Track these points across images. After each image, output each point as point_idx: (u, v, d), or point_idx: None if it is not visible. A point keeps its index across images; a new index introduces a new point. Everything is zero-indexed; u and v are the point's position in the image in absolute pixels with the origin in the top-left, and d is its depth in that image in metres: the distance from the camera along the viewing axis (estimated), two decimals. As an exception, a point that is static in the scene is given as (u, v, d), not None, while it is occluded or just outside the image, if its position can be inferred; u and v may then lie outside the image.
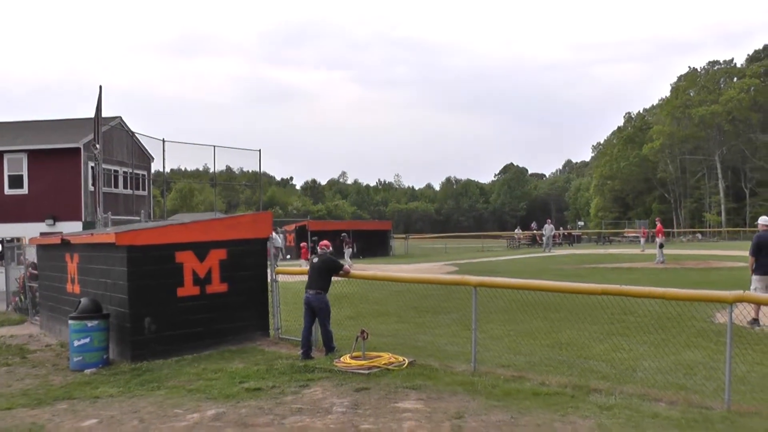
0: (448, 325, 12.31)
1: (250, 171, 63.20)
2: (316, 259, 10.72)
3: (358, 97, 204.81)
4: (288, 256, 38.18)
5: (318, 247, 11.08)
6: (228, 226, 11.84)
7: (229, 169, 66.44)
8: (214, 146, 27.99)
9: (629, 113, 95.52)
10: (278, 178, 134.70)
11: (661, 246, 29.43)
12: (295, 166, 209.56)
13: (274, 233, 30.75)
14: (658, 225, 31.20)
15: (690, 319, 10.86)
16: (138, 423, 7.46)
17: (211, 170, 30.81)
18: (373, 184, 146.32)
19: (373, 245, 44.78)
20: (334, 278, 10.73)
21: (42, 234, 23.46)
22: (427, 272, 26.13)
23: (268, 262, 12.40)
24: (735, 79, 79.11)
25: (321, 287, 10.41)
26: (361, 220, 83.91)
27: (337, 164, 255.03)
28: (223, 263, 11.54)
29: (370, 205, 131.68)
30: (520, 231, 60.72)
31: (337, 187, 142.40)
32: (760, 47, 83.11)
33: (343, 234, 34.70)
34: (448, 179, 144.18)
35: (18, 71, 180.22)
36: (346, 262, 32.31)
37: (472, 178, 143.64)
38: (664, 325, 10.75)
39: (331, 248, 11.10)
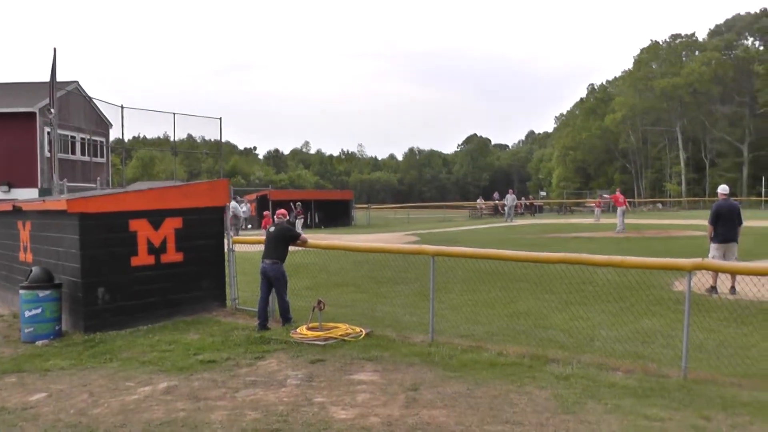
0: (407, 296, 12.23)
1: (212, 140, 62.25)
2: (272, 229, 10.53)
3: (321, 67, 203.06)
4: (249, 226, 37.86)
5: (275, 216, 10.88)
6: (184, 194, 11.54)
7: (190, 137, 65.51)
8: (174, 113, 27.42)
9: (592, 85, 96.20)
10: (241, 147, 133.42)
11: (623, 214, 29.77)
12: (258, 135, 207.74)
13: (235, 202, 30.45)
14: (617, 193, 31.58)
15: (649, 287, 10.92)
16: (87, 396, 7.24)
17: (172, 138, 30.21)
18: (336, 154, 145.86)
19: (335, 215, 44.61)
20: (292, 248, 10.57)
21: (-4, 201, 22.84)
22: (388, 242, 26.11)
23: (225, 232, 12.16)
24: (696, 52, 79.90)
25: (278, 257, 10.23)
26: (323, 190, 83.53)
27: (300, 134, 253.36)
28: (179, 232, 11.27)
29: (332, 175, 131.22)
30: (483, 201, 60.87)
31: (299, 156, 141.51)
32: (721, 21, 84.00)
33: (297, 203, 34.41)
34: (411, 150, 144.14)
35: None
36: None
37: (436, 149, 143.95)
38: (623, 294, 10.77)
39: (288, 218, 10.92)
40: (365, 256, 13.68)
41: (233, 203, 31.07)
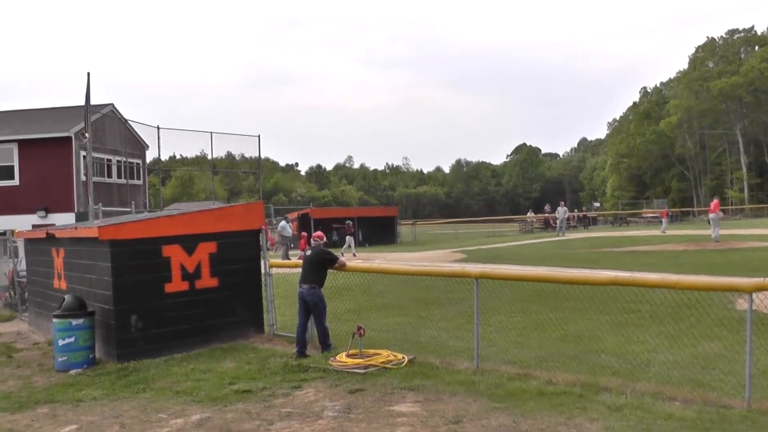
0: (453, 318, 12.12)
1: (252, 157, 62.93)
2: (309, 252, 10.53)
3: (360, 79, 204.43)
4: (292, 245, 38.06)
5: (312, 239, 10.88)
6: (217, 218, 11.62)
7: (230, 155, 66.19)
8: (211, 132, 27.71)
9: (645, 88, 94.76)
10: (282, 164, 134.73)
11: (712, 222, 29.81)
12: (300, 150, 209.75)
13: (285, 221, 30.76)
14: (715, 200, 31.69)
15: (709, 306, 10.53)
16: (118, 429, 7.29)
17: (210, 157, 30.65)
18: (380, 168, 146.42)
19: (380, 232, 44.70)
20: (332, 271, 10.57)
21: (34, 226, 23.34)
22: (434, 260, 25.99)
23: (262, 254, 12.20)
24: (756, 47, 78.11)
25: (315, 281, 10.22)
26: (367, 207, 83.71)
27: (343, 148, 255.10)
28: (213, 257, 11.34)
29: (377, 190, 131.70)
30: (533, 214, 60.36)
31: (342, 172, 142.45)
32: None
33: (348, 222, 34.61)
34: (458, 162, 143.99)
35: (6, 59, 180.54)
36: (350, 250, 32.36)
37: (484, 160, 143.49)
38: (681, 314, 10.43)
39: (324, 240, 10.92)
40: (409, 276, 13.62)
41: (282, 223, 31.44)
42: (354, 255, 32.29)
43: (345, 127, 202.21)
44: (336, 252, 12.10)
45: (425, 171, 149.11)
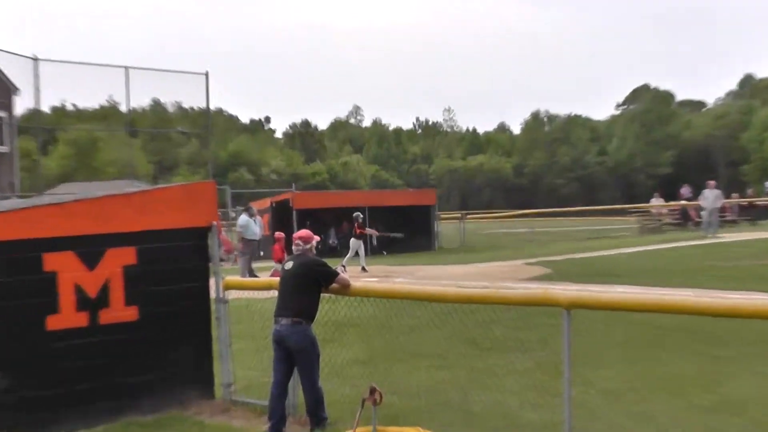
0: (528, 373, 12.17)
1: (196, 109, 62.35)
2: (290, 264, 10.54)
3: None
4: (261, 254, 38.13)
5: (294, 243, 10.86)
6: (138, 208, 11.62)
7: (158, 105, 66.33)
8: (126, 67, 27.76)
9: None
10: (245, 121, 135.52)
11: None
12: (275, 100, 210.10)
13: (247, 215, 30.67)
14: None
15: None
16: None
17: (124, 109, 30.70)
18: (407, 126, 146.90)
19: (406, 232, 44.64)
20: (324, 295, 10.64)
21: None
22: (496, 278, 26.06)
23: (212, 268, 12.23)
24: None
25: (301, 313, 10.25)
26: (386, 191, 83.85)
27: (345, 96, 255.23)
28: (131, 272, 11.34)
29: (402, 163, 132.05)
30: (661, 201, 60.09)
31: (345, 133, 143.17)
32: None
33: (357, 214, 34.69)
34: (536, 116, 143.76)
35: None
36: (357, 261, 32.31)
37: (579, 113, 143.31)
38: None
39: (315, 243, 10.90)
40: (455, 304, 13.62)
41: (244, 217, 31.13)
42: (364, 269, 32.29)
43: (348, 61, 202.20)
44: (334, 264, 12.10)
45: (481, 131, 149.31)
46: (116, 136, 62.80)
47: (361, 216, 35.03)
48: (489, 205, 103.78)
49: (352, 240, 33.61)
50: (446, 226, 51.76)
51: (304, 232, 11.06)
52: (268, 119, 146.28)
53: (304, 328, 10.25)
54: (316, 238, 11.14)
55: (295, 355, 10.25)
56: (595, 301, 9.31)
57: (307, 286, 10.39)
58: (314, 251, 10.98)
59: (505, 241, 49.44)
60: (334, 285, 10.58)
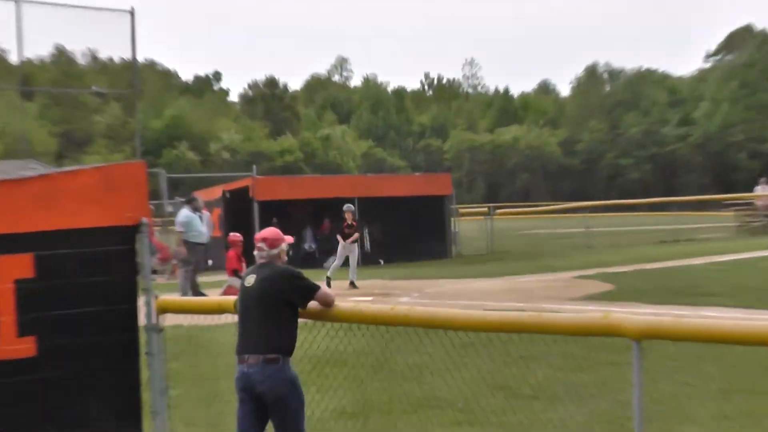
0: (581, 427, 12.18)
1: (117, 61, 61.88)
2: (252, 279, 10.58)
3: None
4: (210, 262, 38.25)
5: (256, 248, 10.83)
6: (37, 199, 11.60)
7: (64, 54, 66.03)
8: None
9: None
10: (188, 78, 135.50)
11: None
12: (228, 52, 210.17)
13: (189, 209, 30.71)
14: None
15: None
16: None
17: (15, 59, 30.72)
18: (412, 86, 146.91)
19: (412, 233, 44.88)
20: (303, 320, 10.66)
21: None
22: (535, 298, 26.38)
23: (142, 283, 12.21)
24: None
25: (275, 346, 10.28)
26: (383, 175, 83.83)
27: (327, 44, 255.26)
28: (26, 289, 11.31)
29: (405, 137, 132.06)
30: (768, 190, 60.09)
31: (326, 95, 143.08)
32: None
33: (349, 206, 34.69)
34: (592, 72, 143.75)
35: None
36: (349, 272, 32.33)
37: (651, 67, 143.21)
38: None
39: (285, 246, 10.86)
40: (479, 334, 13.62)
41: (186, 213, 31.14)
42: (353, 284, 32.32)
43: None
44: (316, 279, 12.04)
45: (515, 93, 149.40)
46: (3, 96, 62.66)
47: (352, 209, 34.91)
48: (526, 196, 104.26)
49: (341, 245, 33.57)
50: (467, 225, 51.93)
51: (271, 231, 11.05)
52: (217, 76, 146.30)
53: (280, 368, 10.24)
54: (287, 239, 11.06)
55: (271, 407, 10.28)
56: (675, 330, 9.25)
57: (278, 309, 10.36)
58: (285, 258, 10.99)
59: (549, 246, 49.72)
60: (313, 303, 10.57)
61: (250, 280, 10.63)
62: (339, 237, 33.74)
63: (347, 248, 33.41)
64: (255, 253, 10.85)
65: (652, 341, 9.00)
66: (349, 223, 34.13)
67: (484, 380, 14.73)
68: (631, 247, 45.40)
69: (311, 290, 10.54)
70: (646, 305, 21.52)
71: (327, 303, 10.62)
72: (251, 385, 10.25)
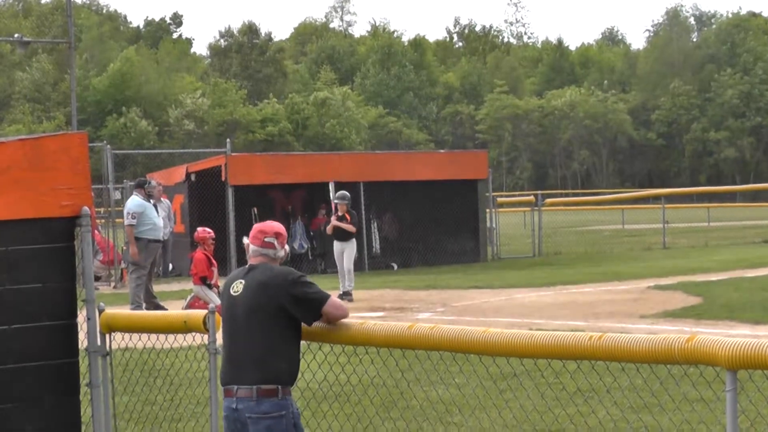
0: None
1: (45, 1, 61.77)
2: (241, 286, 10.63)
3: None
4: (170, 267, 38.38)
5: (251, 241, 10.87)
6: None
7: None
8: None
9: None
10: (139, 24, 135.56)
11: None
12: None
13: (140, 197, 30.81)
14: None
15: None
16: None
17: None
18: (435, 35, 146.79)
19: (435, 229, 44.91)
20: (306, 341, 10.80)
21: None
22: (591, 313, 26.48)
23: (84, 293, 12.30)
24: None
25: (274, 373, 10.35)
26: (397, 153, 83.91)
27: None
28: None
29: (426, 102, 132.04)
30: None
31: (322, 47, 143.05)
32: None
33: (340, 194, 34.80)
34: (675, 15, 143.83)
35: None
36: (340, 282, 32.45)
37: (753, 11, 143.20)
38: None
39: (285, 244, 10.91)
40: (524, 362, 13.69)
41: (137, 201, 31.28)
42: (346, 294, 32.29)
43: None
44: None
45: (572, 45, 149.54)
46: None
47: (348, 198, 34.81)
48: (586, 182, 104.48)
49: (336, 244, 33.60)
50: (508, 219, 52.07)
51: (279, 225, 11.19)
52: (177, 19, 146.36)
53: (280, 404, 10.29)
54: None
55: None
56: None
57: (275, 323, 10.40)
58: (287, 257, 11.08)
59: (615, 247, 49.77)
60: (322, 317, 10.51)
61: (238, 286, 10.61)
62: (329, 229, 33.67)
63: (340, 248, 33.25)
64: (250, 248, 10.89)
65: (751, 371, 9.09)
66: (341, 214, 34.21)
67: (530, 421, 14.81)
68: (724, 248, 45.48)
69: (320, 300, 10.49)
70: (744, 324, 21.54)
71: (336, 318, 10.61)
72: (241, 425, 10.32)
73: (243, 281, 10.59)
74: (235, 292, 10.58)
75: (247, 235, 10.96)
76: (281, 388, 10.24)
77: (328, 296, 10.57)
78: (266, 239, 10.80)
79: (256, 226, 11.02)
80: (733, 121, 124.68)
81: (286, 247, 10.94)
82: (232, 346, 10.47)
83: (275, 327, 10.35)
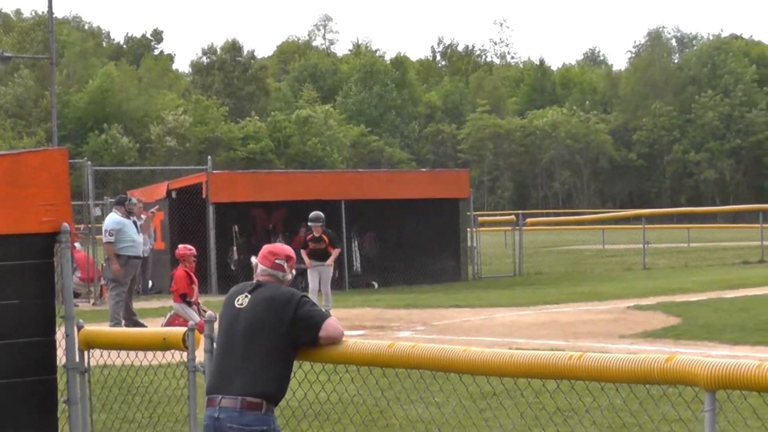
0: None
1: (27, 16, 61.66)
2: (246, 300, 10.62)
3: None
4: (150, 284, 38.25)
5: (260, 261, 10.86)
6: None
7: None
8: None
9: None
10: (120, 40, 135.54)
11: None
12: (177, 6, 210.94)
13: (119, 214, 30.73)
14: None
15: None
16: None
17: None
18: (418, 54, 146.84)
19: (416, 248, 44.90)
20: (299, 360, 10.74)
21: None
22: (571, 332, 26.59)
23: (62, 310, 12.27)
24: None
25: (262, 387, 10.31)
26: (379, 171, 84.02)
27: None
28: None
29: (409, 121, 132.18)
30: None
31: (305, 66, 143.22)
32: None
33: (314, 215, 34.75)
34: (656, 37, 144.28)
35: None
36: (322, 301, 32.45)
37: (734, 33, 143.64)
38: None
39: (293, 268, 10.89)
40: (504, 381, 13.70)
41: (116, 219, 31.15)
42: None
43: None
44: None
45: (554, 66, 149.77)
46: None
47: (322, 219, 34.71)
48: (567, 202, 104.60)
49: (310, 270, 33.58)
50: (489, 238, 52.15)
51: (284, 248, 11.20)
52: (157, 36, 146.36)
53: (262, 419, 10.24)
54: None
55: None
56: (760, 378, 9.33)
57: (275, 342, 10.39)
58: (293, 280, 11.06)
59: (595, 267, 49.81)
60: (321, 340, 10.43)
61: (243, 300, 10.59)
62: (303, 253, 33.59)
63: (315, 273, 33.46)
64: (258, 267, 10.89)
65: (729, 392, 9.07)
66: (317, 236, 34.17)
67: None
68: (704, 269, 45.59)
69: (320, 319, 10.49)
70: (723, 345, 21.58)
71: (334, 338, 10.55)
72: None
73: (249, 296, 10.58)
74: (239, 305, 10.58)
75: (247, 253, 11.04)
76: (266, 403, 10.19)
77: (327, 316, 10.62)
78: (277, 261, 10.84)
79: (267, 247, 11.09)
80: (714, 142, 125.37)
81: (293, 271, 10.94)
82: (225, 357, 10.45)
83: (274, 344, 10.34)
